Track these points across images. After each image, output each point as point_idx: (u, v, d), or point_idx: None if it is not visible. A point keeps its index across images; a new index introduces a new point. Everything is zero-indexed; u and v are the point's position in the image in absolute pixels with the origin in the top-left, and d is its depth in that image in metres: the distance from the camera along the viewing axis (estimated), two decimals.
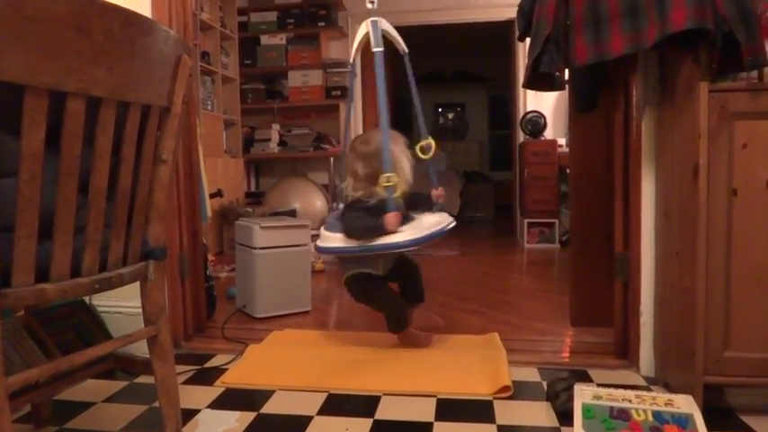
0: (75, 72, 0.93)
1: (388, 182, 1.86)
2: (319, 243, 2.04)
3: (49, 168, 0.93)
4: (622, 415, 1.34)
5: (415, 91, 2.14)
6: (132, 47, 1.04)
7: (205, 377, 1.85)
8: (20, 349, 1.16)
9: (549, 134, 5.00)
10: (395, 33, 2.11)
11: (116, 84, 1.01)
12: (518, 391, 1.69)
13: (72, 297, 1.07)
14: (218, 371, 1.90)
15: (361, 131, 5.63)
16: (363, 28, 2.04)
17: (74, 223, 1.00)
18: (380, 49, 1.97)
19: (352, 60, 2.23)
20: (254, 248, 2.57)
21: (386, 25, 2.05)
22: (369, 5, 2.01)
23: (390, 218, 1.84)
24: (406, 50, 2.16)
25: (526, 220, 4.88)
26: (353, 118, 5.60)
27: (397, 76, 2.26)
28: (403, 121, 9.09)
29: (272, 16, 5.46)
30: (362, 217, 1.90)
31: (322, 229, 2.07)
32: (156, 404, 1.31)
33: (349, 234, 1.93)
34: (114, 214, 1.09)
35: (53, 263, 0.99)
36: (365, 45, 2.08)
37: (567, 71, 1.82)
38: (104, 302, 1.98)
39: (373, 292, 2.09)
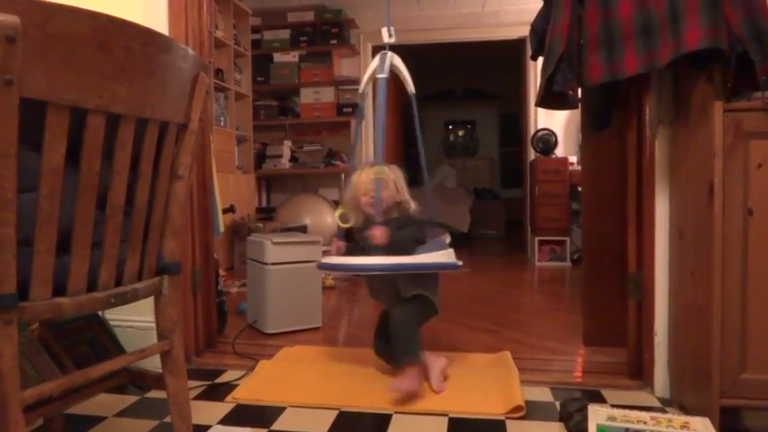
0: (95, 89, 0.94)
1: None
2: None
3: (68, 183, 0.94)
4: None
5: (420, 135, 2.00)
6: (151, 64, 1.06)
7: (216, 393, 1.85)
8: (35, 363, 1.16)
9: (559, 152, 5.00)
10: (405, 73, 1.99)
11: (135, 101, 1.03)
12: (531, 411, 1.67)
13: (88, 311, 1.08)
14: (229, 386, 1.89)
15: (371, 149, 5.67)
16: (376, 62, 1.95)
17: (91, 238, 1.01)
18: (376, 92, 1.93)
19: (361, 90, 2.09)
20: (266, 264, 2.57)
21: (397, 62, 1.96)
22: (386, 39, 1.98)
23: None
24: (414, 91, 2.02)
25: (537, 238, 4.86)
26: (364, 135, 5.64)
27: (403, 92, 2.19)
28: (409, 138, 9.15)
29: (284, 34, 5.55)
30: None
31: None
32: (168, 419, 1.31)
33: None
34: (131, 229, 1.10)
35: (70, 277, 0.99)
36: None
37: (579, 90, 1.83)
38: (116, 316, 1.98)
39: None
